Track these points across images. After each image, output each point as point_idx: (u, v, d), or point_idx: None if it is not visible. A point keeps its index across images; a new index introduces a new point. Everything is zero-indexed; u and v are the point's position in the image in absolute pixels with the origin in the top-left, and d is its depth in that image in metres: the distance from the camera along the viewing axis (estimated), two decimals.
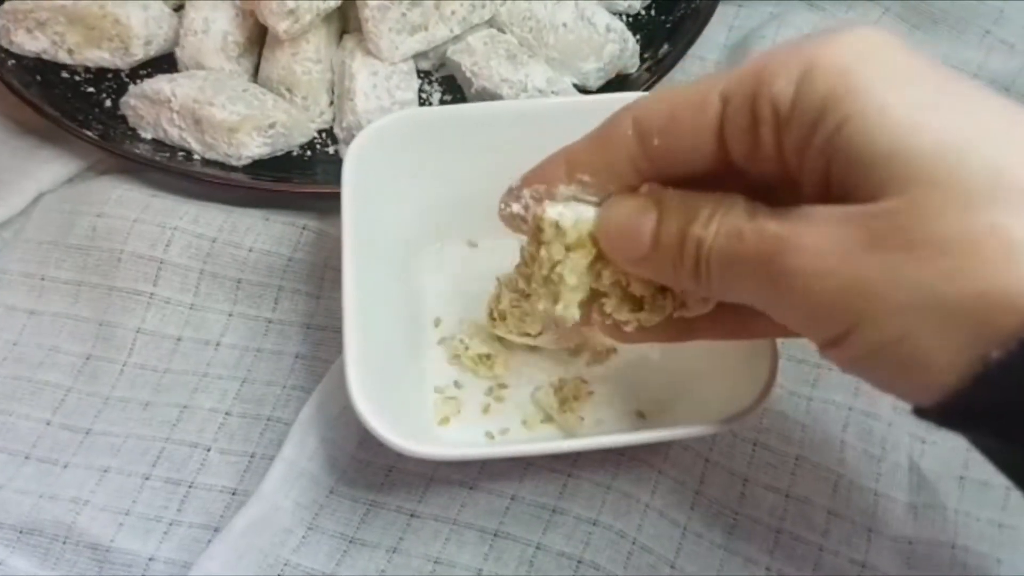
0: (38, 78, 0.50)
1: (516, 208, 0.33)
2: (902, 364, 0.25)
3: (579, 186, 0.31)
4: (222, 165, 0.47)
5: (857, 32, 0.27)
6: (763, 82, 0.27)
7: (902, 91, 0.25)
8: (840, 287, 0.25)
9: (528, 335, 0.40)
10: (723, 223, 0.28)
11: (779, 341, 0.36)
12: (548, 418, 0.40)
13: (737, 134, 0.28)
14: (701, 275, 0.29)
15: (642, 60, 0.51)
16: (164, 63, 0.51)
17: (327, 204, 0.45)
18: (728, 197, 0.28)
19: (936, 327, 0.24)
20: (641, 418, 0.39)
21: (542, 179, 0.32)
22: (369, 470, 0.40)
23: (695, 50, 0.51)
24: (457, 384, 0.41)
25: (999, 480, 0.28)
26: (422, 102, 0.50)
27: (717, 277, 0.28)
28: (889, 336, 0.25)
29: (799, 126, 0.26)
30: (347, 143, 0.48)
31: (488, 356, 0.41)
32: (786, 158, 0.27)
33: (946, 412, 0.25)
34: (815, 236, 0.25)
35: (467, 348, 0.41)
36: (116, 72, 0.50)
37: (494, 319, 0.41)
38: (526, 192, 0.33)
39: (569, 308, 0.32)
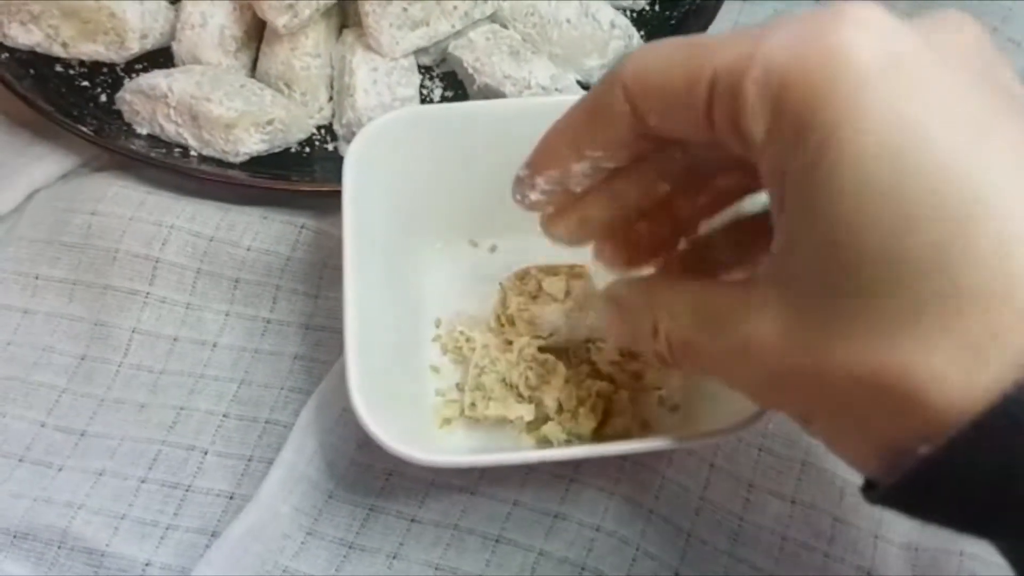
0: (32, 72, 0.49)
1: (535, 196, 0.32)
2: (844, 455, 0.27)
3: (592, 161, 0.30)
4: (219, 162, 0.46)
5: (846, 30, 0.23)
6: (743, 96, 0.24)
7: (860, 149, 0.22)
8: (775, 390, 0.27)
9: (539, 337, 0.39)
10: (672, 335, 0.29)
11: None
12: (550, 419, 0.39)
13: (725, 130, 0.26)
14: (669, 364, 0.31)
15: None
16: (160, 57, 0.50)
17: (326, 202, 0.45)
18: (678, 297, 0.30)
19: (854, 436, 0.25)
20: (646, 424, 0.39)
21: (553, 163, 0.31)
22: (369, 474, 0.39)
23: None
24: (459, 386, 0.40)
25: None
26: (423, 98, 0.49)
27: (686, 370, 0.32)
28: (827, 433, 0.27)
29: (771, 156, 0.24)
30: (347, 140, 0.47)
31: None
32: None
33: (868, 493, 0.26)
34: (758, 346, 0.26)
35: (467, 340, 0.40)
36: (111, 66, 0.50)
37: (502, 325, 0.40)
38: (540, 180, 0.31)
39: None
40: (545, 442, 0.37)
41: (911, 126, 0.22)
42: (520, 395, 0.38)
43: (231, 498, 0.39)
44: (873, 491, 0.25)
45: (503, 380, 0.38)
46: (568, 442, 0.37)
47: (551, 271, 0.40)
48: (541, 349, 0.38)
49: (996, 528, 0.23)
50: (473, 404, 0.38)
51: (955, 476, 0.22)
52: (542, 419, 0.37)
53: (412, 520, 0.38)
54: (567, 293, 0.40)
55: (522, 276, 0.41)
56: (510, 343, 0.39)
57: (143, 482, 0.40)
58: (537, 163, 0.31)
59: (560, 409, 0.37)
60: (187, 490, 0.39)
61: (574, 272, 0.40)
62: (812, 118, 0.23)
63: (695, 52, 0.26)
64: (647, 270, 0.35)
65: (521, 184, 0.32)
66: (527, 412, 0.37)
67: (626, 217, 0.33)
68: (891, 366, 0.22)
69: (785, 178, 0.24)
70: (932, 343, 0.21)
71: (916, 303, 0.22)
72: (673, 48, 0.27)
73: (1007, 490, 0.21)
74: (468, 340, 0.40)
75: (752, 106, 0.24)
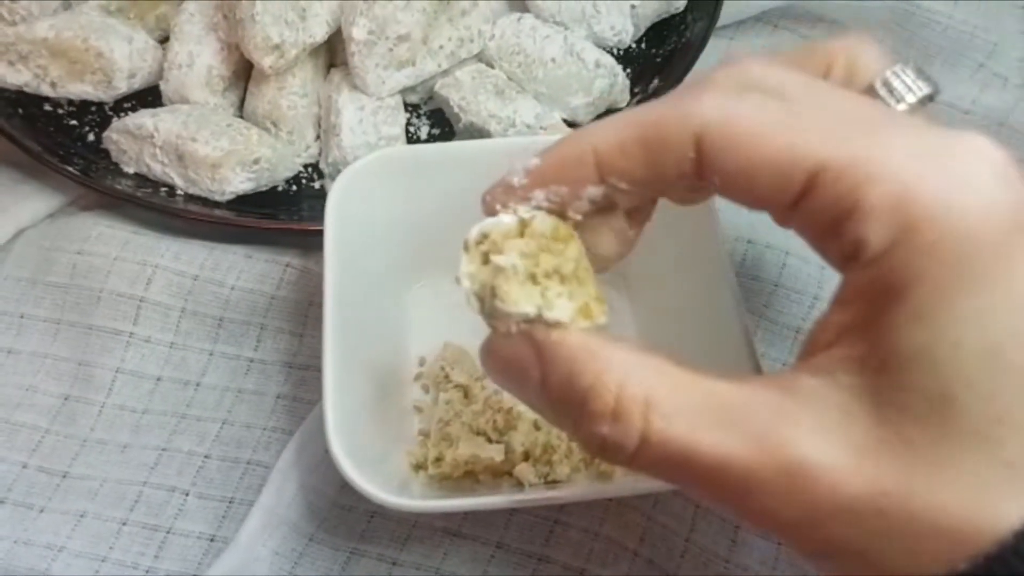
0: (20, 111, 0.49)
1: (522, 211, 0.27)
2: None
3: (610, 189, 0.26)
4: (205, 201, 0.46)
5: (985, 177, 0.23)
6: (863, 204, 0.23)
7: (981, 324, 0.22)
8: (814, 523, 0.23)
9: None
10: (659, 432, 0.24)
11: None
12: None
13: (814, 222, 0.24)
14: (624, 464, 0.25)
15: (632, 94, 0.50)
16: (149, 96, 0.50)
17: (311, 240, 0.45)
18: (672, 383, 0.24)
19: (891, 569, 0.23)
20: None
21: (568, 178, 0.26)
22: (350, 516, 0.39)
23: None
24: (423, 435, 0.40)
25: None
26: (410, 136, 0.49)
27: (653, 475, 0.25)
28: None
29: (879, 271, 0.23)
30: (333, 178, 0.47)
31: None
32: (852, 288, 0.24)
33: None
34: (812, 467, 0.23)
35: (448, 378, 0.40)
36: (100, 105, 0.50)
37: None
38: (540, 194, 0.27)
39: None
40: (519, 485, 0.37)
41: None
42: (489, 439, 0.37)
43: (212, 540, 0.39)
44: None
45: (469, 427, 0.38)
46: (547, 484, 0.37)
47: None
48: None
49: None
50: (438, 459, 0.37)
51: None
52: (513, 462, 0.37)
53: (393, 563, 0.38)
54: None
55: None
56: (472, 395, 0.39)
57: (124, 524, 0.39)
58: (546, 174, 0.27)
59: (527, 455, 0.37)
60: (168, 532, 0.39)
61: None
62: (952, 259, 0.22)
63: (793, 130, 0.24)
64: None
65: (509, 193, 0.27)
66: (497, 453, 0.36)
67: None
68: (968, 511, 0.22)
69: (898, 299, 0.23)
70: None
71: (1011, 460, 0.22)
72: (765, 113, 0.24)
73: None
74: (447, 378, 0.40)
75: (875, 218, 0.23)
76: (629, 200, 0.27)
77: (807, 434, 0.23)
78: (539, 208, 0.27)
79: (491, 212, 0.28)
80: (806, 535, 0.24)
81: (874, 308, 0.23)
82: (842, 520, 0.23)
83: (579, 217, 0.27)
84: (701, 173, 0.25)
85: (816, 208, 0.24)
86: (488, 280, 0.26)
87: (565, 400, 0.25)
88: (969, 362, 0.22)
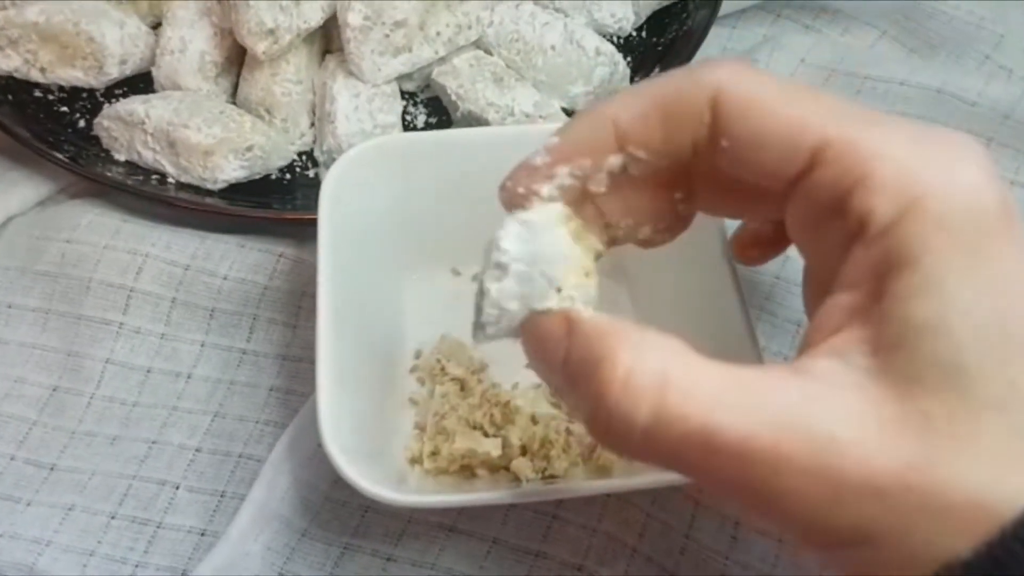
0: (10, 97, 0.48)
1: (547, 191, 0.27)
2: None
3: (627, 160, 0.27)
4: (197, 189, 0.45)
5: (974, 168, 0.24)
6: (870, 179, 0.24)
7: (971, 305, 0.22)
8: (838, 502, 0.22)
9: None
10: (673, 407, 0.23)
11: None
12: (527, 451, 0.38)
13: (812, 202, 0.25)
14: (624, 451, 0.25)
15: (633, 83, 0.50)
16: (140, 82, 0.49)
17: (305, 230, 0.44)
18: (689, 367, 0.24)
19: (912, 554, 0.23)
20: (628, 460, 0.38)
21: (587, 151, 0.27)
22: (344, 511, 0.38)
23: None
24: (419, 428, 0.39)
25: None
26: (407, 124, 0.49)
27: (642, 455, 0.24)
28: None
29: (882, 260, 0.23)
30: (327, 167, 0.46)
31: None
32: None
33: None
34: (841, 444, 0.22)
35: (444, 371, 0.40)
36: (91, 91, 0.49)
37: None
38: (564, 170, 0.27)
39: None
40: (516, 480, 0.36)
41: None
42: (486, 433, 0.37)
43: (202, 535, 0.38)
44: None
45: (466, 421, 0.37)
46: (545, 479, 0.36)
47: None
48: None
49: None
50: (434, 453, 0.37)
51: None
52: (510, 456, 0.36)
53: (388, 559, 0.37)
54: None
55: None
56: (469, 388, 0.38)
57: (113, 518, 0.39)
58: (568, 148, 0.27)
59: (524, 450, 0.36)
60: (158, 526, 0.38)
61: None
62: (958, 231, 0.23)
63: (802, 105, 0.25)
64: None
65: (533, 175, 0.27)
66: (494, 447, 0.36)
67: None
68: (988, 483, 0.22)
69: (907, 270, 0.23)
70: None
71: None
72: (776, 87, 0.26)
73: None
74: (443, 371, 0.39)
75: (883, 191, 0.23)
76: (644, 170, 0.27)
77: (831, 411, 0.23)
78: (562, 186, 0.27)
79: (512, 198, 0.28)
80: (831, 518, 0.23)
81: (882, 284, 0.23)
82: (869, 497, 0.22)
83: (602, 189, 0.27)
84: (713, 139, 0.26)
85: (818, 183, 0.25)
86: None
87: (579, 369, 0.25)
88: (980, 329, 0.22)
